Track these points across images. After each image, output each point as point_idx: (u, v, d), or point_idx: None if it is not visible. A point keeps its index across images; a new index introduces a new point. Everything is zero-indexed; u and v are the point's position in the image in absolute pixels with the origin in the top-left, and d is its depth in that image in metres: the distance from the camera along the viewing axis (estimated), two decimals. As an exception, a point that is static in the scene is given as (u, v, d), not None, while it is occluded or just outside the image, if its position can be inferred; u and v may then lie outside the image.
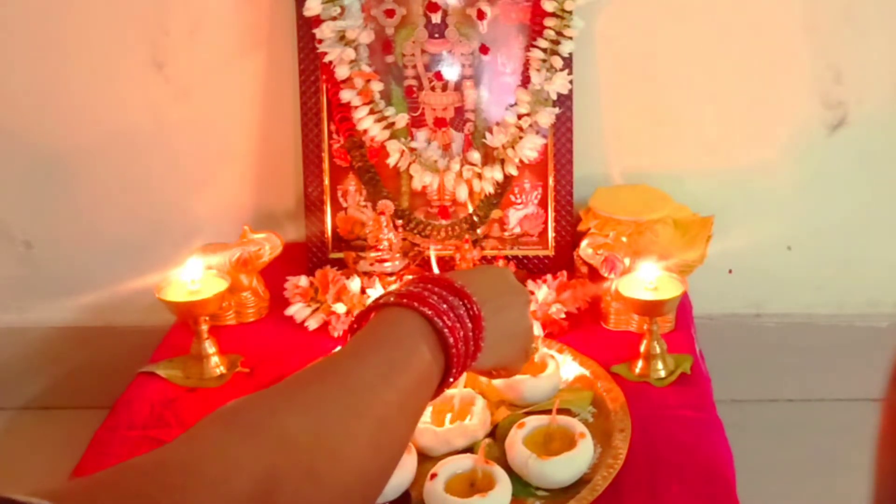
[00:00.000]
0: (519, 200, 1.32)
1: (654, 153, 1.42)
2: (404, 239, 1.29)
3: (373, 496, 0.63)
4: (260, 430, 0.56)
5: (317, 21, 1.23)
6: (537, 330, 1.13)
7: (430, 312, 0.69)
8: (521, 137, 1.27)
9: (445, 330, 0.69)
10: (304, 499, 0.56)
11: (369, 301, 0.88)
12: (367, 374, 0.64)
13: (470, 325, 0.72)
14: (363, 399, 0.62)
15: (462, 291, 0.72)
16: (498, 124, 1.29)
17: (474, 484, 0.88)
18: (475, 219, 1.32)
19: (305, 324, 1.21)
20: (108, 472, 0.51)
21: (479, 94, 1.30)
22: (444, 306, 0.70)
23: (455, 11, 1.28)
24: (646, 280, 1.09)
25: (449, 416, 0.97)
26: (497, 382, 1.01)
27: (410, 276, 1.23)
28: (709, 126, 1.41)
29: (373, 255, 1.24)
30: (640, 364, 1.09)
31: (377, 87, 1.27)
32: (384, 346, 0.68)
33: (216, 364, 1.12)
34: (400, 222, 1.30)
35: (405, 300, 0.70)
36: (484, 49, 1.29)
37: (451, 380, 0.71)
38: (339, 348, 0.71)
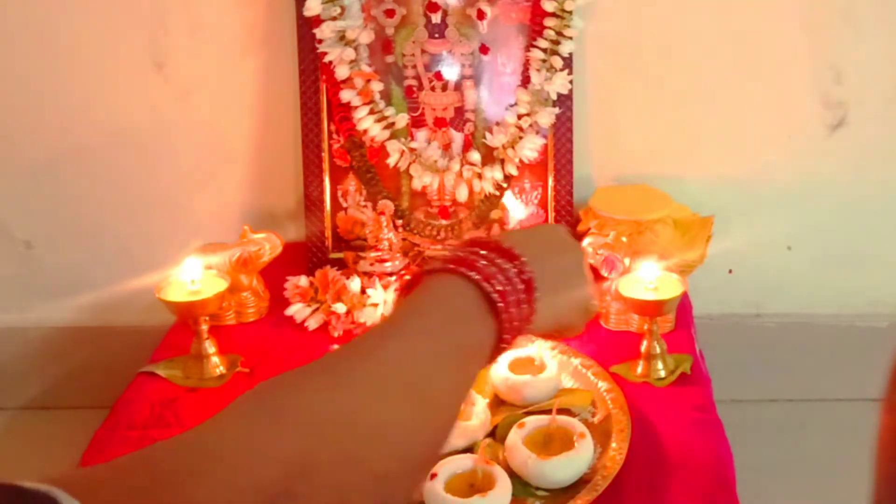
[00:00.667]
0: (519, 200, 1.32)
1: (654, 153, 1.42)
2: (404, 239, 1.29)
3: (418, 479, 0.59)
4: (289, 412, 0.52)
5: (317, 21, 1.23)
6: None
7: (477, 277, 0.64)
8: (521, 137, 1.27)
9: (495, 294, 0.64)
10: (339, 484, 0.52)
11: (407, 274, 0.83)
12: (406, 346, 0.60)
13: (522, 286, 0.67)
14: (402, 372, 0.58)
15: (511, 253, 0.68)
16: (498, 124, 1.29)
17: (474, 484, 0.88)
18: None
19: (305, 324, 1.21)
20: (128, 458, 0.49)
21: (479, 94, 1.30)
22: (493, 269, 0.65)
23: (455, 11, 1.28)
24: (646, 280, 1.09)
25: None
26: (499, 380, 1.01)
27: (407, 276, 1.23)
28: (709, 126, 1.41)
29: (373, 255, 1.24)
30: (640, 364, 1.09)
31: (377, 87, 1.27)
32: (427, 315, 0.63)
33: (216, 364, 1.12)
34: (400, 222, 1.30)
35: (451, 265, 0.65)
36: (484, 49, 1.29)
37: (505, 346, 0.67)
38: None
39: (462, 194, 1.30)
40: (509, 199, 0.88)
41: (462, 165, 1.29)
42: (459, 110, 1.31)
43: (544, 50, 1.26)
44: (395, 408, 0.56)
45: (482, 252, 0.67)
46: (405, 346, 0.60)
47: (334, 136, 1.31)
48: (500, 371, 1.03)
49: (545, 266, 0.70)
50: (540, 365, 1.03)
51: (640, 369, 1.09)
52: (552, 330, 0.77)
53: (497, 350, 0.66)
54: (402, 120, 1.28)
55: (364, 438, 0.54)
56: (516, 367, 1.03)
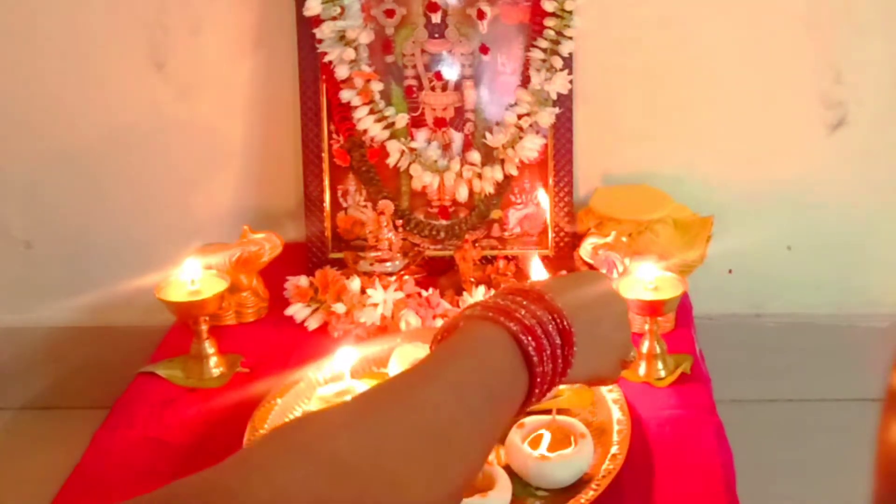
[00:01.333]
0: (519, 200, 1.32)
1: (654, 153, 1.42)
2: (404, 239, 1.29)
3: None
4: (311, 454, 0.52)
5: (317, 21, 1.23)
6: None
7: (515, 328, 0.65)
8: (521, 137, 1.27)
9: (530, 348, 0.65)
10: None
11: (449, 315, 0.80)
12: (435, 392, 0.59)
13: (559, 340, 0.67)
14: (428, 418, 0.57)
15: (552, 305, 0.68)
16: (498, 124, 1.29)
17: (474, 484, 0.88)
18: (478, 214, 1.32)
19: (305, 324, 1.21)
20: (154, 496, 0.49)
21: (479, 94, 1.30)
22: (532, 321, 0.66)
23: (455, 11, 1.28)
24: (646, 280, 1.09)
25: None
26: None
27: (408, 277, 1.23)
28: (709, 126, 1.41)
29: (373, 255, 1.24)
30: (640, 364, 1.09)
31: (377, 87, 1.27)
32: (460, 362, 0.63)
33: (216, 364, 1.12)
34: (400, 222, 1.30)
35: (491, 313, 0.66)
36: (484, 49, 1.29)
37: (536, 399, 0.67)
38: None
39: (462, 194, 1.30)
40: (536, 266, 0.89)
41: (462, 165, 1.29)
42: (459, 110, 1.31)
43: (544, 50, 1.26)
44: (419, 457, 0.55)
45: (523, 302, 0.67)
46: (435, 395, 0.59)
47: (334, 136, 1.31)
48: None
49: (586, 319, 0.70)
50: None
51: (640, 369, 1.09)
52: (586, 380, 0.77)
53: (528, 402, 0.66)
54: (402, 120, 1.28)
55: (386, 485, 0.53)
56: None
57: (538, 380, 0.66)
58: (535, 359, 0.65)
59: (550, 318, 0.67)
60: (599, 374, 0.76)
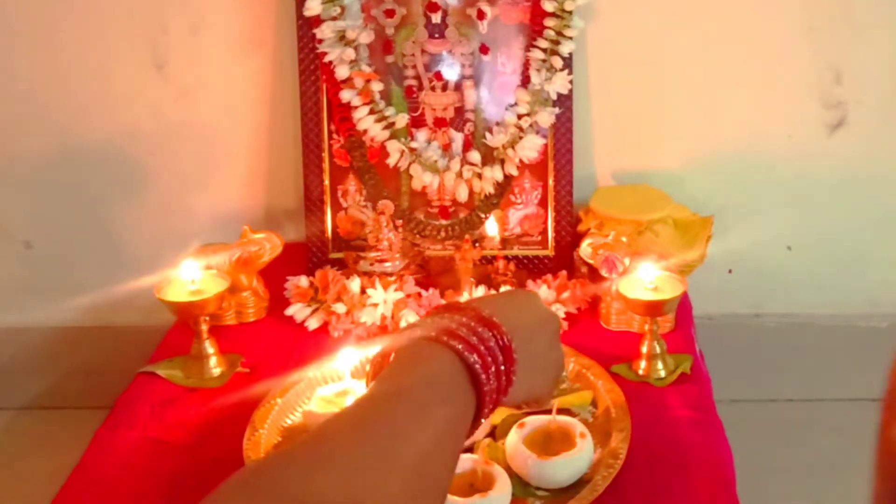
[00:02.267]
0: (519, 200, 1.32)
1: (654, 153, 1.42)
2: (404, 239, 1.29)
3: None
4: (286, 494, 0.51)
5: (317, 21, 1.23)
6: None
7: (460, 347, 0.64)
8: (521, 137, 1.27)
9: (477, 365, 0.64)
10: None
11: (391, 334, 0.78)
12: (397, 419, 0.58)
13: (501, 357, 0.66)
14: (395, 447, 0.56)
15: (491, 322, 0.67)
16: (498, 124, 1.29)
17: (474, 484, 0.88)
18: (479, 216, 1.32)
19: (305, 324, 1.21)
20: None
21: (479, 94, 1.30)
22: (475, 339, 0.65)
23: (455, 11, 1.28)
24: (646, 280, 1.09)
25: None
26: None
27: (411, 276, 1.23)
28: (709, 126, 1.41)
29: (373, 255, 1.24)
30: (640, 364, 1.09)
31: (377, 87, 1.27)
32: (415, 387, 0.62)
33: (216, 364, 1.12)
34: (400, 222, 1.30)
35: (433, 333, 0.65)
36: (484, 49, 1.29)
37: (483, 418, 0.66)
38: (366, 389, 0.66)
39: (462, 194, 1.30)
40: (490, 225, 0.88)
41: (462, 165, 1.29)
42: (459, 110, 1.31)
43: (544, 50, 1.26)
44: (388, 482, 0.54)
45: (463, 319, 0.66)
46: (389, 422, 0.58)
47: (334, 136, 1.31)
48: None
49: (523, 337, 0.69)
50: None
51: (640, 369, 1.09)
52: (522, 401, 0.76)
53: (475, 422, 0.65)
54: (402, 120, 1.28)
55: None
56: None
57: (486, 398, 0.65)
58: (483, 377, 0.64)
59: (491, 334, 0.66)
60: (536, 394, 0.76)
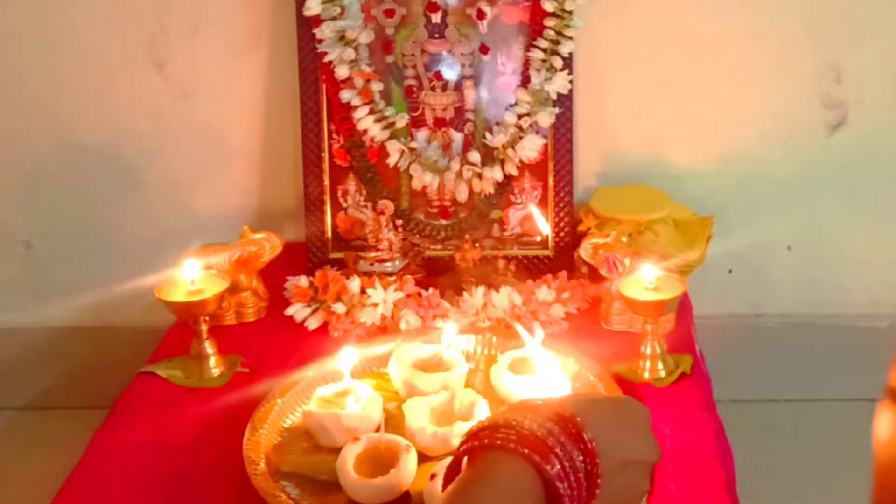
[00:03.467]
0: (519, 200, 1.32)
1: (654, 153, 1.42)
2: (404, 239, 1.29)
3: None
4: None
5: (317, 21, 1.23)
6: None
7: (552, 473, 0.59)
8: (521, 137, 1.27)
9: (566, 498, 0.60)
10: None
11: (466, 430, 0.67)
12: None
13: (584, 483, 0.61)
14: None
15: (588, 448, 0.61)
16: (498, 124, 1.29)
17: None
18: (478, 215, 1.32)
19: (305, 324, 1.21)
20: None
21: (479, 94, 1.30)
22: (567, 464, 0.60)
23: (455, 11, 1.28)
24: (646, 280, 1.09)
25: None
26: (499, 381, 1.01)
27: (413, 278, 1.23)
28: (709, 126, 1.41)
29: (373, 255, 1.24)
30: (640, 364, 1.09)
31: (377, 87, 1.27)
32: None
33: (216, 364, 1.12)
34: (400, 222, 1.30)
35: (520, 447, 0.60)
36: (484, 49, 1.29)
37: None
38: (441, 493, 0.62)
39: (462, 194, 1.30)
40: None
41: (462, 165, 1.29)
42: (459, 110, 1.31)
43: (544, 50, 1.26)
44: None
45: (561, 438, 0.61)
46: None
47: (334, 136, 1.31)
48: (500, 371, 1.03)
49: (615, 465, 0.64)
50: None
51: (640, 369, 1.09)
52: None
53: None
54: (402, 120, 1.28)
55: None
56: (516, 366, 1.03)
57: None
58: None
59: (583, 462, 0.61)
60: None
